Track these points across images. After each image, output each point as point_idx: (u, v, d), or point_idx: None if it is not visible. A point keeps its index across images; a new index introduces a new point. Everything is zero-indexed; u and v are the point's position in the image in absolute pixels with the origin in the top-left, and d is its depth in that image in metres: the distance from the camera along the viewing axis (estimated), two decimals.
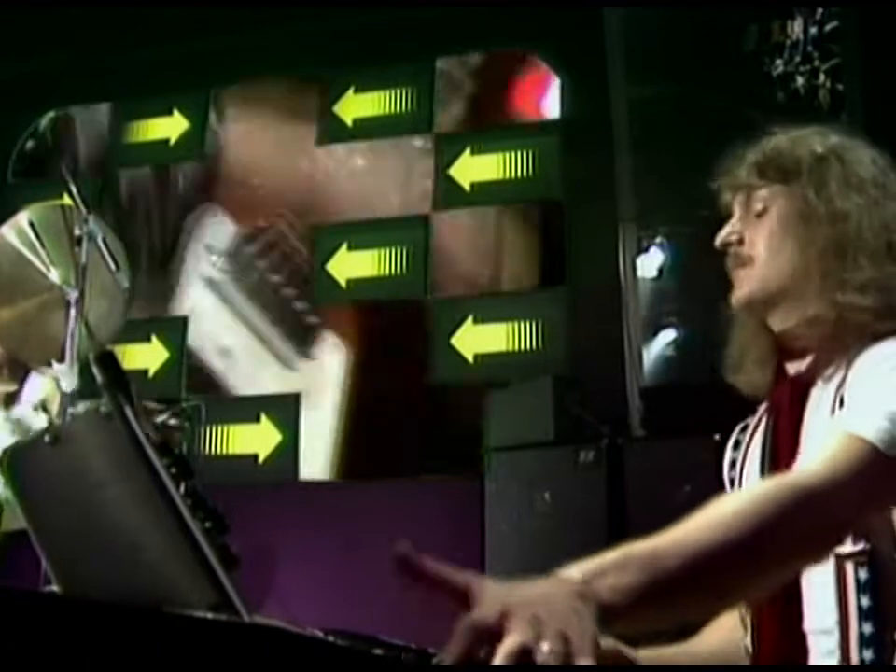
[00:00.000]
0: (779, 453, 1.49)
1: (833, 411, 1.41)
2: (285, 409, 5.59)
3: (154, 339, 5.80)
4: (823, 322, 1.47)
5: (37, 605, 0.86)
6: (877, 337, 1.42)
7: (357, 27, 5.59)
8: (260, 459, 5.53)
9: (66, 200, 3.35)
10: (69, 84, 6.01)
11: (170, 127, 6.22)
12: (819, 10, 4.42)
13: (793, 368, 1.54)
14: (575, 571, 1.00)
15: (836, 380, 1.44)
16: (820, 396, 1.47)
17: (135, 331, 5.32)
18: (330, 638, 1.19)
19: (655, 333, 4.79)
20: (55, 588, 0.99)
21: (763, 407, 1.62)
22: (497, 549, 3.94)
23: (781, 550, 1.14)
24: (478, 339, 5.35)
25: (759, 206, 1.56)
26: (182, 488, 0.96)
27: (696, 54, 4.51)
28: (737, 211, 1.59)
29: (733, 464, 1.63)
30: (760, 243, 1.54)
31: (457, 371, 5.31)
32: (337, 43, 5.73)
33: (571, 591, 0.96)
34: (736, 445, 1.64)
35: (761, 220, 1.56)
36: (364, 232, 5.65)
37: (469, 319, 5.37)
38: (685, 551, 1.06)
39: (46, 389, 3.72)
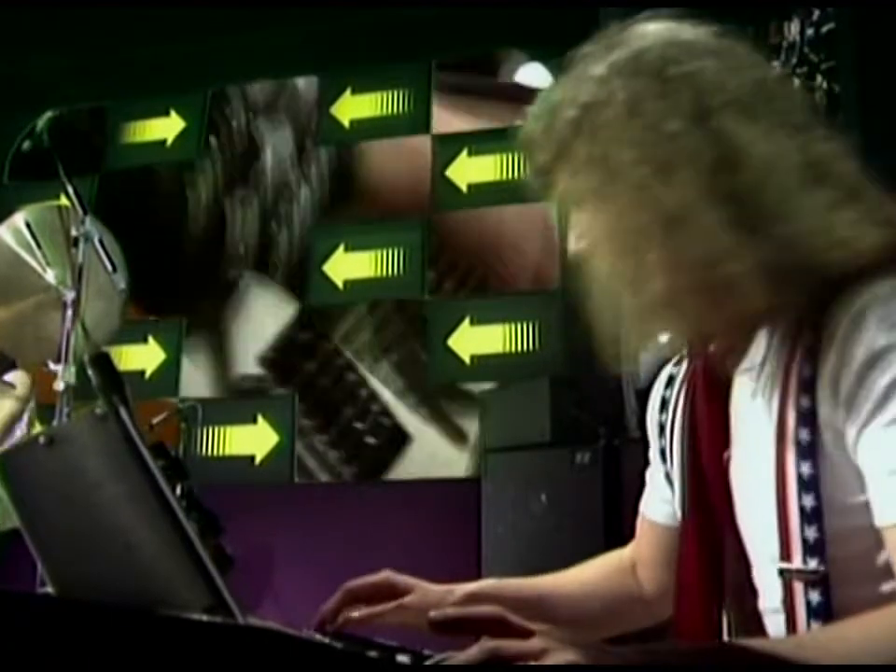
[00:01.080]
0: (702, 455, 1.30)
1: (783, 399, 1.17)
2: (281, 410, 5.59)
3: (151, 340, 5.80)
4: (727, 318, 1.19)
5: (31, 606, 0.86)
6: (820, 296, 1.14)
7: (353, 28, 5.60)
8: (257, 460, 5.53)
9: (63, 200, 3.35)
10: (66, 85, 6.00)
11: (167, 127, 6.22)
12: (816, 12, 4.42)
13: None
14: (657, 648, 0.96)
15: (779, 359, 1.18)
16: (755, 378, 1.22)
17: (132, 333, 5.32)
18: (325, 640, 1.19)
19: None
20: (49, 589, 0.99)
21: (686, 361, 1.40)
22: (494, 550, 3.94)
23: None
24: (475, 340, 5.35)
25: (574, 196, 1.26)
26: (177, 490, 0.96)
27: None
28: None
29: (662, 429, 1.44)
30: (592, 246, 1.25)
31: (454, 373, 5.32)
32: (334, 44, 5.73)
33: (627, 656, 0.93)
34: (664, 405, 1.44)
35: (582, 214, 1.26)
36: (361, 234, 5.66)
37: (466, 321, 5.38)
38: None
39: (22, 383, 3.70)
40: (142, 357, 5.73)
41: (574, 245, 1.26)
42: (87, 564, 0.96)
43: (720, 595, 1.28)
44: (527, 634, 0.93)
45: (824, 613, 1.13)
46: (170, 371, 5.75)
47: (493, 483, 4.04)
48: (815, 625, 1.13)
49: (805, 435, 1.14)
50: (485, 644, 0.91)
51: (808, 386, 1.14)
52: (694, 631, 1.29)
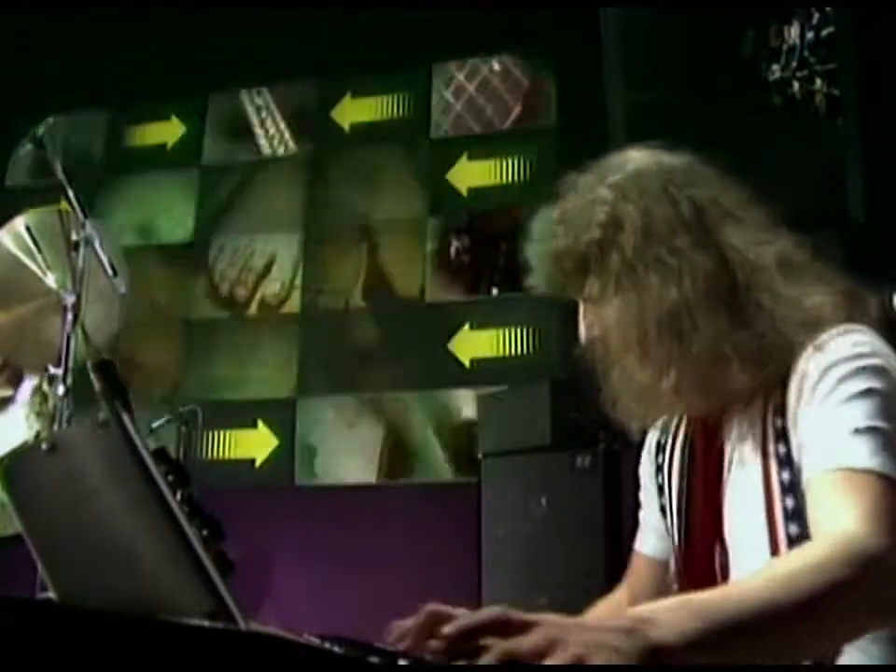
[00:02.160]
0: (697, 483, 1.50)
1: (764, 446, 1.39)
2: (281, 414, 5.59)
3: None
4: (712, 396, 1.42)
5: (33, 612, 0.86)
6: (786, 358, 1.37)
7: (353, 31, 5.60)
8: (257, 464, 5.53)
9: (64, 204, 3.35)
10: (67, 88, 6.00)
11: (167, 132, 6.22)
12: (816, 15, 4.42)
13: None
14: (633, 611, 1.02)
15: (757, 410, 1.41)
16: (743, 423, 1.43)
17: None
18: (326, 645, 1.19)
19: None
20: (51, 595, 0.99)
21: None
22: (494, 553, 3.94)
23: (841, 616, 1.12)
24: (474, 344, 5.35)
25: (592, 293, 1.45)
26: (179, 495, 0.96)
27: (693, 60, 4.51)
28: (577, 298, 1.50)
29: (659, 469, 1.62)
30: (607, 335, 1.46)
31: (454, 377, 5.32)
32: (334, 47, 5.73)
33: (621, 625, 0.97)
34: (660, 449, 1.62)
35: (603, 305, 1.46)
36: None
37: (466, 325, 5.38)
38: (743, 605, 1.05)
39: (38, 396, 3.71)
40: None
41: (586, 332, 1.49)
42: (89, 569, 0.96)
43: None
44: (530, 625, 0.95)
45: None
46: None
47: (493, 486, 4.04)
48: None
49: (781, 448, 1.37)
50: (499, 647, 0.92)
51: (780, 409, 1.38)
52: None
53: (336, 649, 1.19)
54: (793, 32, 4.47)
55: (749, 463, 1.40)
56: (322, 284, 5.74)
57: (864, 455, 1.24)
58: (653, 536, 1.65)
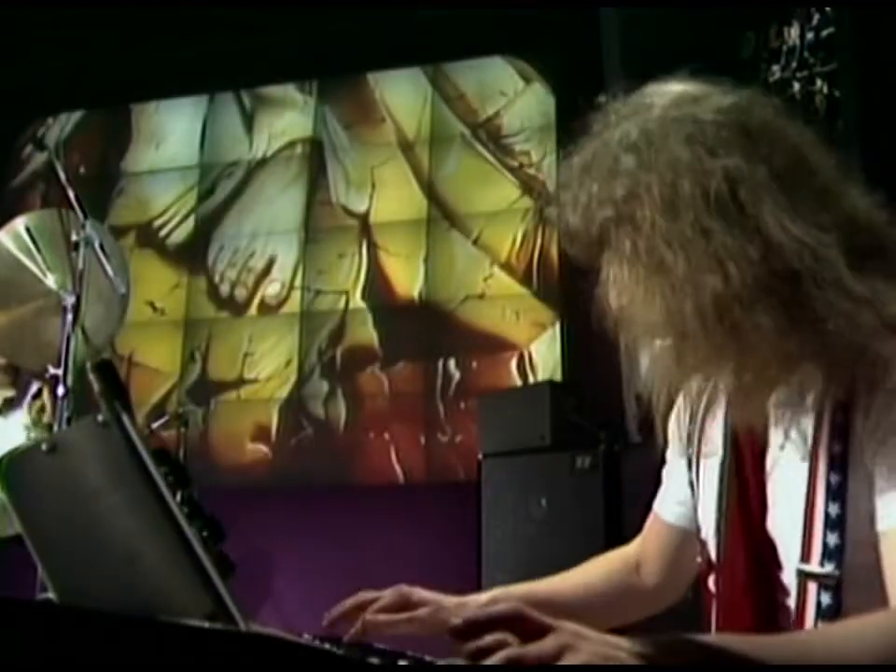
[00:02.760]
0: (744, 464, 1.35)
1: (816, 437, 1.24)
2: (279, 414, 5.60)
3: None
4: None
5: (32, 613, 0.86)
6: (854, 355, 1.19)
7: (353, 34, 5.60)
8: (258, 464, 5.54)
9: (63, 205, 3.35)
10: (69, 90, 6.01)
11: (170, 131, 6.23)
12: (816, 16, 4.42)
13: None
14: (659, 639, 0.98)
15: (813, 398, 1.25)
16: (793, 404, 1.27)
17: None
18: (326, 646, 1.19)
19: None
20: (50, 595, 0.99)
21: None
22: (494, 554, 3.94)
23: None
24: None
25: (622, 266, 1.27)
26: (179, 496, 0.96)
27: (693, 60, 4.51)
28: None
29: (689, 439, 1.47)
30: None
31: None
32: (333, 48, 5.74)
33: (641, 653, 0.94)
34: (692, 418, 1.46)
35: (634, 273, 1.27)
36: None
37: None
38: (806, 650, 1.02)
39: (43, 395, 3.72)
40: None
41: (615, 301, 1.28)
42: (89, 570, 0.96)
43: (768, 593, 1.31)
44: (546, 628, 0.94)
45: (832, 615, 1.19)
46: None
47: (493, 487, 4.04)
48: (821, 625, 1.20)
49: (837, 448, 1.21)
50: (507, 652, 0.91)
51: (843, 406, 1.21)
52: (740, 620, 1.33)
53: (336, 649, 1.19)
54: (793, 33, 4.47)
55: (797, 459, 1.26)
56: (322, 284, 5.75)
57: None
58: (675, 502, 1.55)
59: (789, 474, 1.27)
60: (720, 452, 1.40)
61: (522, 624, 0.94)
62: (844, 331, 1.16)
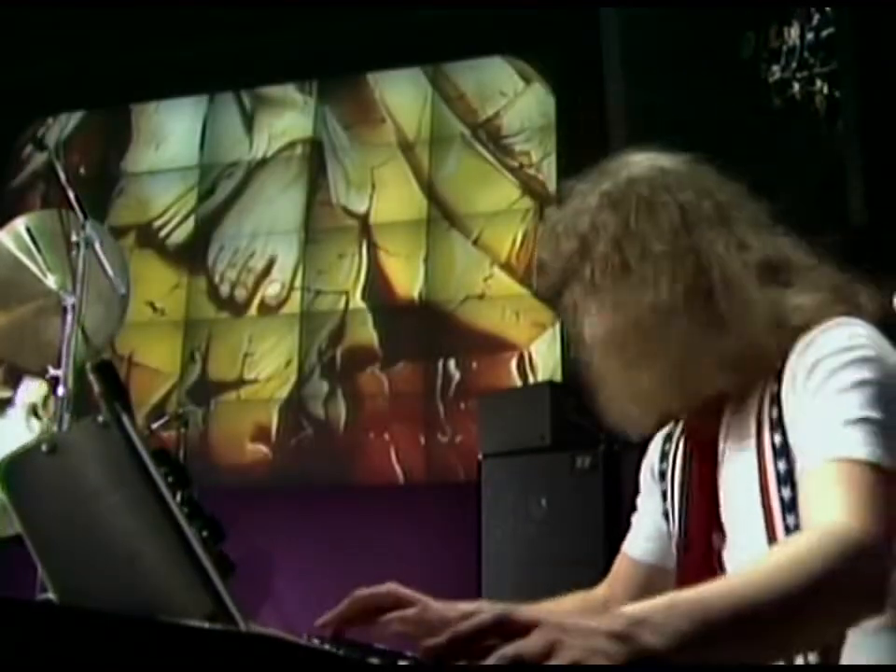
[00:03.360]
0: (694, 487, 1.52)
1: (759, 437, 1.40)
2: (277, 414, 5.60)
3: None
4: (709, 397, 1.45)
5: (32, 613, 0.86)
6: (781, 353, 1.39)
7: (353, 34, 5.60)
8: (258, 465, 5.54)
9: (64, 205, 3.35)
10: (68, 90, 6.01)
11: (170, 131, 6.23)
12: (816, 16, 4.42)
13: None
14: (627, 612, 1.01)
15: (753, 405, 1.43)
16: (738, 424, 1.45)
17: None
18: (326, 647, 1.19)
19: None
20: (50, 596, 0.99)
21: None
22: (494, 554, 3.94)
23: (831, 607, 1.13)
24: None
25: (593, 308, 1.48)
26: (179, 497, 0.96)
27: (694, 60, 4.52)
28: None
29: (662, 475, 1.64)
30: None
31: None
32: (333, 48, 5.74)
33: (612, 630, 0.97)
34: (664, 456, 1.64)
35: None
36: None
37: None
38: (732, 600, 1.06)
39: (38, 393, 3.71)
40: None
41: (575, 323, 1.51)
42: (89, 570, 0.96)
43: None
44: (531, 625, 0.96)
45: None
46: None
47: (493, 487, 4.04)
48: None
49: (777, 438, 1.38)
50: (502, 653, 0.92)
51: (776, 399, 1.39)
52: None
53: (336, 650, 1.19)
54: (793, 33, 4.47)
55: (745, 453, 1.42)
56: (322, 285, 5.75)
57: (855, 444, 1.24)
58: (644, 539, 1.66)
59: (739, 467, 1.42)
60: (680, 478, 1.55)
61: (507, 629, 0.96)
62: (743, 333, 1.37)
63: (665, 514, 1.62)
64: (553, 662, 0.92)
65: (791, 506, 1.34)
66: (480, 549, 3.98)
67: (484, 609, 1.02)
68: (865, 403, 1.28)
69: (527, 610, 1.38)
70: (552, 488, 3.83)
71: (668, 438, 1.65)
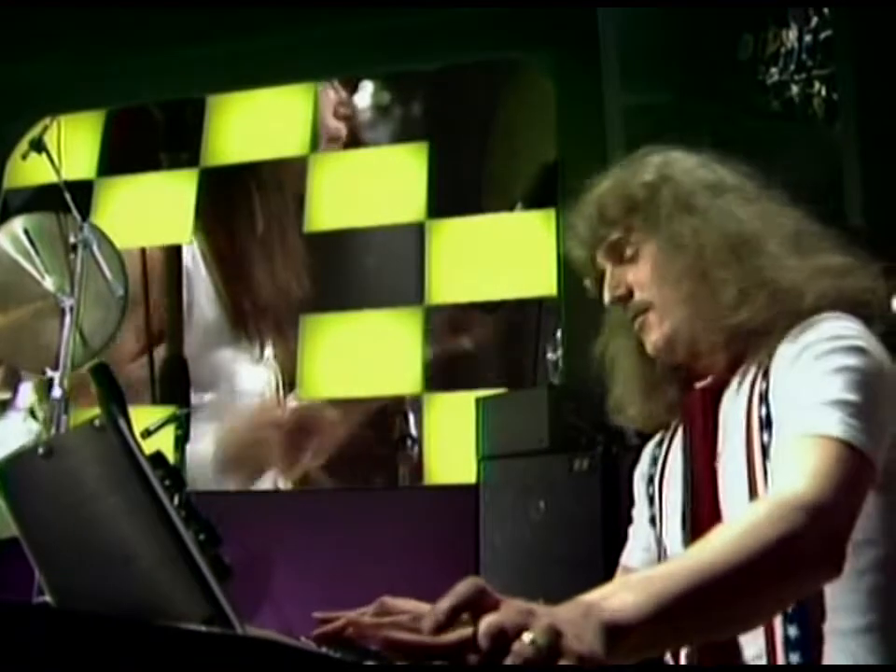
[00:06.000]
0: (696, 463, 1.51)
1: (749, 410, 1.44)
2: None
3: None
4: (727, 341, 1.49)
5: (29, 617, 0.86)
6: (781, 333, 1.43)
7: (346, 34, 5.59)
8: None
9: (62, 207, 3.36)
10: (64, 91, 6.00)
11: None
12: (814, 19, 4.43)
13: (699, 381, 1.56)
14: (583, 597, 1.01)
15: (748, 381, 1.47)
16: (733, 399, 1.49)
17: None
18: (323, 650, 1.19)
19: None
20: (47, 599, 0.99)
21: (676, 422, 1.63)
22: (492, 557, 3.94)
23: (783, 572, 1.13)
24: None
25: (628, 252, 1.56)
26: (175, 500, 0.96)
27: (692, 62, 4.52)
28: (607, 264, 1.59)
29: (650, 480, 1.65)
30: (648, 286, 1.54)
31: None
32: (325, 50, 5.73)
33: (578, 609, 0.97)
34: (654, 461, 1.66)
35: (636, 264, 1.56)
36: None
37: None
38: (684, 573, 1.07)
39: (34, 395, 3.72)
40: None
41: (611, 294, 1.57)
42: (85, 574, 0.96)
43: None
44: (499, 604, 0.95)
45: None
46: None
47: (491, 489, 4.04)
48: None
49: (766, 437, 1.40)
50: (488, 623, 0.91)
51: (765, 397, 1.42)
52: None
53: (333, 653, 1.19)
54: (791, 35, 4.48)
55: (737, 428, 1.45)
56: None
57: (830, 423, 1.26)
58: (641, 549, 1.66)
59: (733, 470, 1.44)
60: (680, 467, 1.55)
61: (484, 600, 0.96)
62: (779, 304, 1.44)
63: (652, 519, 1.63)
64: (527, 632, 0.91)
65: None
66: (478, 551, 3.98)
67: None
68: (846, 387, 1.30)
69: None
70: (550, 490, 3.82)
71: (660, 443, 1.67)
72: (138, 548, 0.94)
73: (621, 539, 1.73)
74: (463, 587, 0.96)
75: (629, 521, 1.72)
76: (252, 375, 5.53)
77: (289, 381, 5.39)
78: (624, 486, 3.61)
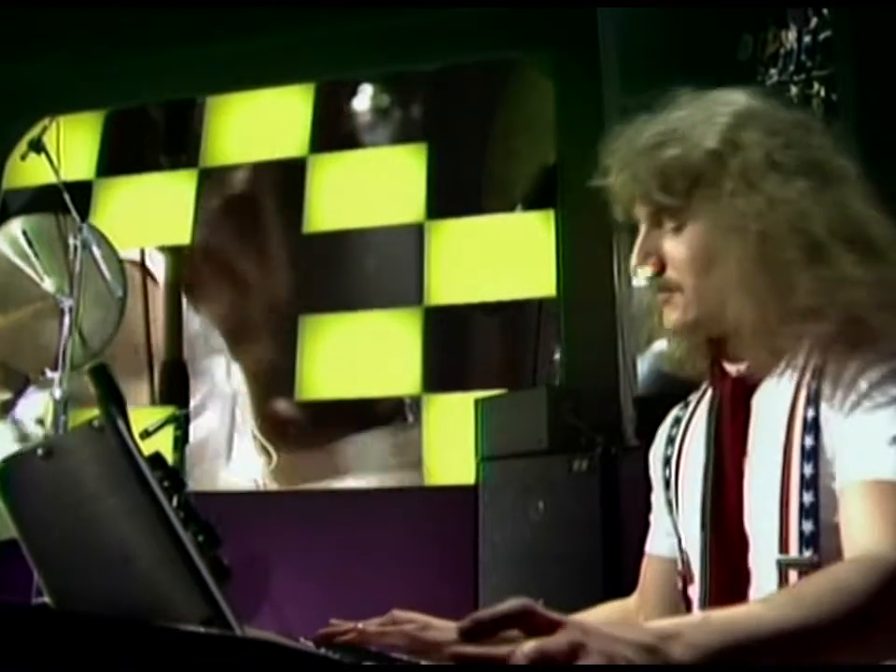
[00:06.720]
0: (724, 458, 1.43)
1: (793, 410, 1.34)
2: None
3: None
4: (777, 337, 1.37)
5: (28, 618, 0.86)
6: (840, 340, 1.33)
7: (346, 34, 5.59)
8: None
9: (61, 208, 3.36)
10: (64, 91, 6.00)
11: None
12: (814, 20, 4.43)
13: (733, 367, 1.46)
14: (657, 626, 0.99)
15: (792, 378, 1.37)
16: (772, 394, 1.39)
17: None
18: (322, 651, 1.19)
19: (649, 342, 4.79)
20: (46, 600, 0.99)
21: (694, 399, 1.57)
22: (491, 557, 3.94)
23: (871, 631, 1.09)
24: None
25: (671, 224, 1.43)
26: (174, 501, 0.96)
27: (691, 63, 4.52)
28: (644, 226, 1.47)
29: (667, 461, 1.57)
30: (686, 266, 1.42)
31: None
32: (325, 50, 5.73)
33: (644, 641, 0.94)
34: (670, 441, 1.58)
35: (677, 238, 1.43)
36: None
37: None
38: (763, 624, 1.03)
39: (45, 404, 3.72)
40: None
41: (641, 259, 1.46)
42: (84, 575, 0.96)
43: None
44: (555, 624, 0.92)
45: None
46: None
47: (490, 490, 4.04)
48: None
49: (808, 441, 1.31)
50: (528, 648, 0.89)
51: (814, 399, 1.33)
52: None
53: (332, 654, 1.19)
54: (790, 36, 4.48)
55: (771, 447, 1.35)
56: None
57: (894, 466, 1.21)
58: (664, 534, 1.59)
59: (763, 469, 1.36)
60: (702, 458, 1.47)
61: (530, 620, 0.92)
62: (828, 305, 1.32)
63: (669, 503, 1.56)
64: (576, 663, 0.89)
65: (809, 512, 1.30)
66: (477, 552, 3.98)
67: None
68: None
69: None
70: (549, 491, 3.82)
71: (676, 422, 1.59)
72: (137, 549, 0.94)
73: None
74: (508, 604, 0.93)
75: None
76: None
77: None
78: (624, 487, 3.64)
